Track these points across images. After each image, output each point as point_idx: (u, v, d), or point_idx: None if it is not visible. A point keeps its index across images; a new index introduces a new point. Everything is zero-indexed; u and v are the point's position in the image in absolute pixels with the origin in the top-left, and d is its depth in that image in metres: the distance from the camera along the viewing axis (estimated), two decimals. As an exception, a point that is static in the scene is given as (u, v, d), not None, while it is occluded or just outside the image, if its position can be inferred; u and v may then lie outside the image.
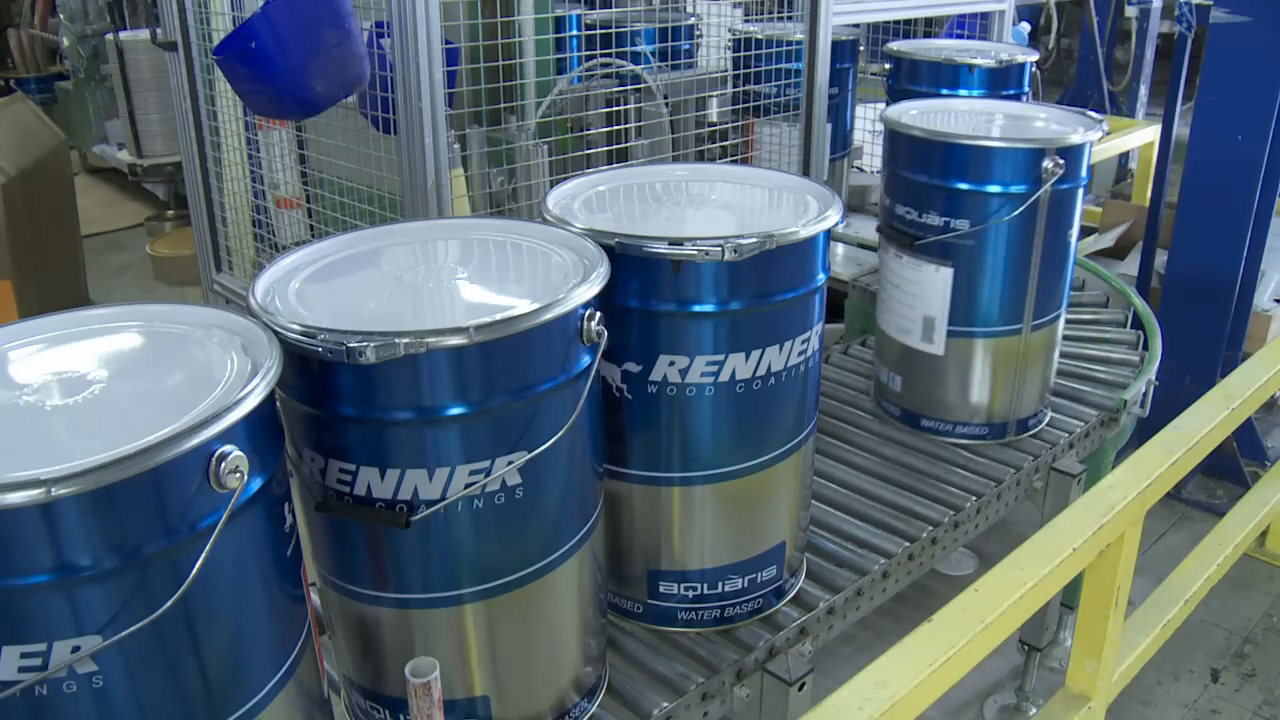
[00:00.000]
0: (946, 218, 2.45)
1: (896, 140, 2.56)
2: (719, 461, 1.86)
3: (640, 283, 1.73)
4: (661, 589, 1.98)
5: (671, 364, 1.77)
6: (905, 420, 2.75)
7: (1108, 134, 2.57)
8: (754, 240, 1.68)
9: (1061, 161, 2.35)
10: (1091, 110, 2.65)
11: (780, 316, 1.80)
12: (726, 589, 1.98)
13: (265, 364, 1.28)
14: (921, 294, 2.55)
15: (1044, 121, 2.67)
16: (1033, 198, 2.38)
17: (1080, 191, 2.52)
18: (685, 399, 1.80)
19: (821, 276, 1.87)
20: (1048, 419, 2.78)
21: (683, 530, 1.93)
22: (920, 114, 2.70)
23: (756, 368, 1.80)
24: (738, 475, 1.88)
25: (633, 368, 1.79)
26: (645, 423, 1.84)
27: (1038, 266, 2.49)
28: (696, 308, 1.73)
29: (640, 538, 1.95)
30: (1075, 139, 2.40)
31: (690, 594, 1.98)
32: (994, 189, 2.39)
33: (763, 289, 1.76)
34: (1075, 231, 2.56)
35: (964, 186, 2.40)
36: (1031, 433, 2.73)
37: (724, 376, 1.78)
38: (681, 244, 1.67)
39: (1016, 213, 2.39)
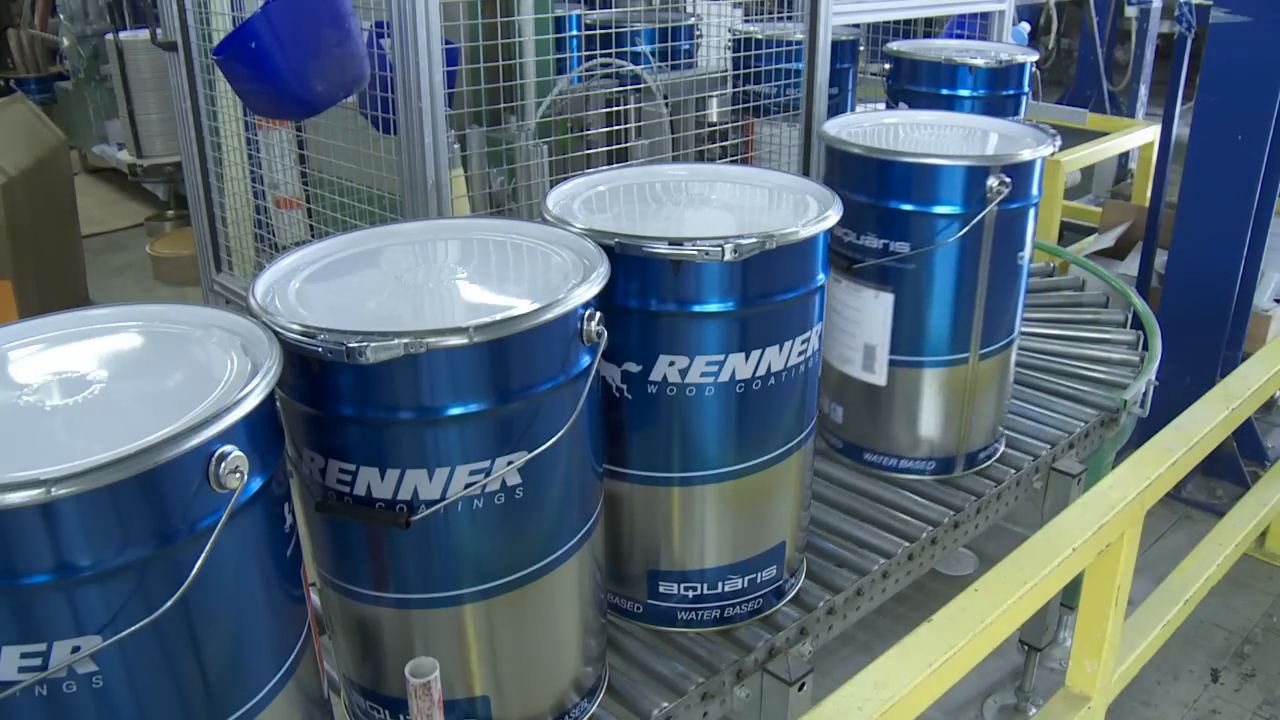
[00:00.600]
0: (886, 240, 2.29)
1: (833, 157, 2.40)
2: (719, 462, 1.86)
3: (640, 283, 1.73)
4: (661, 589, 1.98)
5: (671, 364, 1.77)
6: (847, 453, 2.60)
7: (1060, 149, 2.41)
8: (754, 240, 1.68)
9: (1008, 180, 2.20)
10: (1042, 126, 2.48)
11: (780, 316, 1.80)
12: (726, 589, 1.98)
13: (265, 364, 1.28)
14: (862, 320, 2.40)
15: (994, 135, 2.53)
16: (977, 218, 2.23)
17: (1032, 210, 2.38)
18: (685, 399, 1.80)
19: (821, 277, 1.88)
20: (1000, 453, 2.64)
21: (682, 530, 1.93)
22: (860, 128, 2.57)
23: (756, 368, 1.80)
24: (738, 475, 1.88)
25: (633, 368, 1.78)
26: (645, 423, 1.84)
27: (984, 291, 2.34)
28: (696, 308, 1.73)
29: (640, 538, 1.95)
30: (1022, 156, 2.26)
31: (690, 594, 1.98)
32: (935, 209, 2.24)
33: (763, 289, 1.76)
34: (1027, 253, 2.41)
35: (904, 207, 2.23)
36: (981, 468, 2.58)
37: (724, 377, 1.78)
38: (681, 244, 1.67)
39: (960, 234, 2.24)
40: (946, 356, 2.40)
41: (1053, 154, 2.34)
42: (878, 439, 2.52)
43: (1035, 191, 2.36)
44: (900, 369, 2.41)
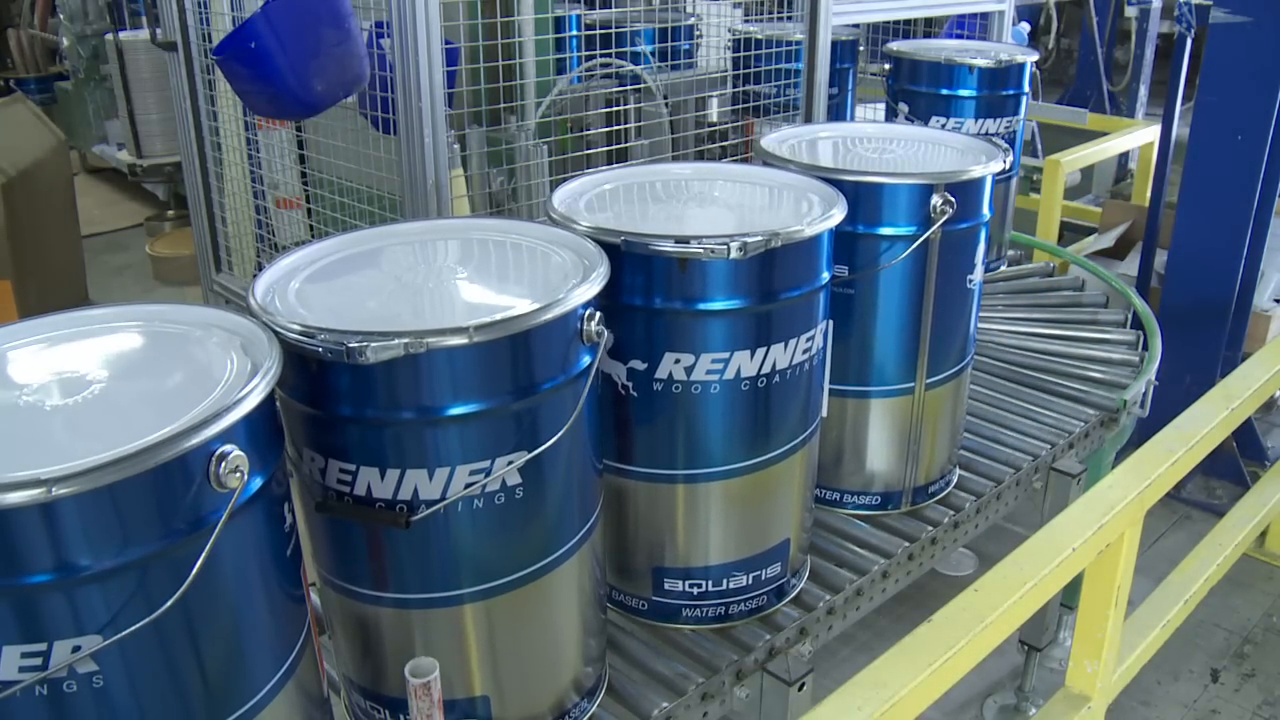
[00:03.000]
0: None
1: None
2: (724, 459, 1.87)
3: (646, 280, 1.73)
4: (666, 585, 1.98)
5: (677, 361, 1.77)
6: None
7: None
8: (759, 238, 1.68)
9: (952, 199, 2.07)
10: (994, 140, 2.34)
11: (785, 314, 1.81)
12: (731, 585, 1.98)
13: (265, 364, 1.28)
14: None
15: (947, 151, 2.40)
16: (920, 240, 2.10)
17: (982, 230, 2.24)
18: (691, 396, 1.80)
19: (826, 275, 1.88)
20: (955, 481, 2.52)
21: (688, 527, 1.93)
22: (800, 143, 2.42)
23: (762, 365, 1.80)
24: (743, 473, 1.89)
25: (638, 365, 1.79)
26: (650, 420, 1.84)
27: (930, 317, 2.21)
28: (702, 305, 1.73)
29: (645, 535, 1.95)
30: (968, 174, 2.13)
31: (695, 590, 1.98)
32: (876, 230, 2.11)
33: (768, 287, 1.76)
34: (976, 276, 2.29)
35: (843, 228, 1.99)
36: (935, 500, 2.46)
37: (729, 374, 1.79)
38: (687, 242, 1.67)
39: (902, 257, 2.11)
40: (891, 386, 2.27)
41: (1002, 170, 2.22)
42: (822, 473, 2.30)
43: (985, 211, 2.24)
44: (842, 400, 2.28)
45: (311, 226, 3.12)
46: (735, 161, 2.70)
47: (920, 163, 2.32)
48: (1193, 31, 3.98)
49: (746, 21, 4.14)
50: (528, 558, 1.57)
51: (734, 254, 1.66)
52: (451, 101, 2.52)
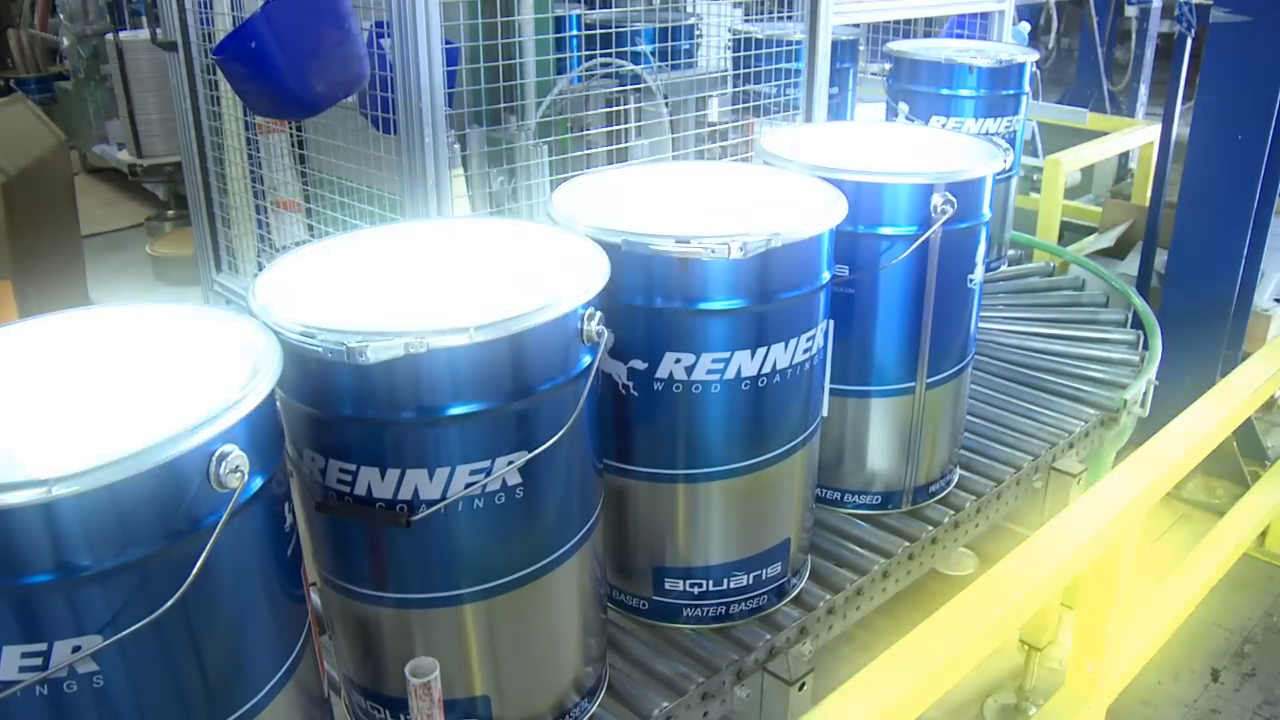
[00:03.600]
0: None
1: None
2: (724, 458, 1.87)
3: (647, 280, 1.73)
4: (667, 585, 1.98)
5: (677, 361, 1.77)
6: None
7: (1009, 168, 2.19)
8: (760, 238, 1.68)
9: (953, 198, 2.07)
10: (995, 140, 2.34)
11: (786, 314, 1.81)
12: (732, 585, 1.98)
13: (265, 364, 1.28)
14: None
15: (947, 150, 2.39)
16: (920, 239, 2.10)
17: (982, 230, 2.24)
18: (691, 396, 1.80)
19: (827, 274, 1.88)
20: (955, 481, 2.52)
21: (688, 527, 1.93)
22: (800, 142, 2.41)
23: (762, 365, 1.80)
24: (743, 472, 1.89)
25: (639, 365, 1.79)
26: (651, 420, 1.84)
27: (931, 317, 2.20)
28: (703, 305, 1.73)
29: (646, 534, 1.95)
30: (968, 173, 2.13)
31: (695, 590, 1.98)
32: (876, 230, 2.11)
33: (769, 286, 1.76)
34: (977, 275, 2.29)
35: (844, 227, 1.97)
36: (935, 499, 2.46)
37: (730, 374, 1.79)
38: (688, 241, 1.67)
39: (902, 256, 2.11)
40: (891, 385, 2.27)
41: (1003, 169, 2.21)
42: (822, 473, 2.28)
43: (985, 210, 2.23)
44: (842, 399, 2.28)
45: (311, 226, 3.12)
46: (735, 161, 2.70)
47: (920, 162, 2.32)
48: (1193, 31, 3.98)
49: (747, 21, 4.14)
50: (528, 558, 1.57)
51: (735, 253, 1.66)
52: (451, 101, 2.52)
